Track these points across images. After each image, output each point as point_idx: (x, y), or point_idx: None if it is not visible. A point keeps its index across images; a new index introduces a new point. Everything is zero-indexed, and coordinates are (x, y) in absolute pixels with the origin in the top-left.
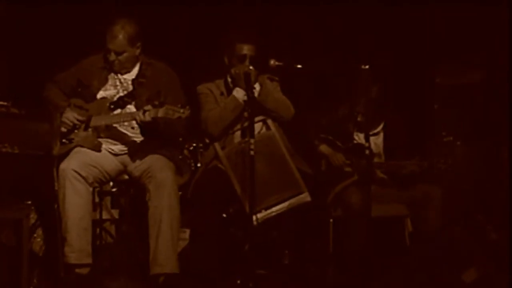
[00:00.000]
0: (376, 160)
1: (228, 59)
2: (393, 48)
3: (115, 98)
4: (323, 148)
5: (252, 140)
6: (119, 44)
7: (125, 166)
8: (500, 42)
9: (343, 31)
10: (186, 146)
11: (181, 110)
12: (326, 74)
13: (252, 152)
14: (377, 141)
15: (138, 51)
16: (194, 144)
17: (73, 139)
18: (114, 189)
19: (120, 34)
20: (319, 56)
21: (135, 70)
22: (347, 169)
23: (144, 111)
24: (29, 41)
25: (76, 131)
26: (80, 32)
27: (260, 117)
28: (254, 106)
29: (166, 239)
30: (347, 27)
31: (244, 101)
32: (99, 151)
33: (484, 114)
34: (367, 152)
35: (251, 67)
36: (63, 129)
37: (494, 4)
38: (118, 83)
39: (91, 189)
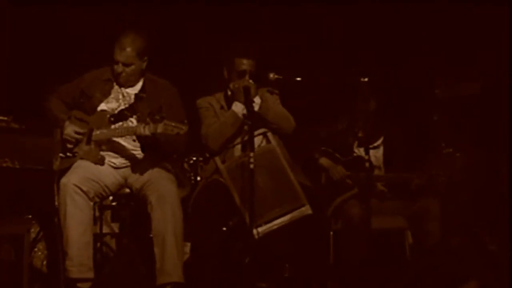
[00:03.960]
0: (376, 173)
1: (228, 73)
2: (392, 60)
3: (116, 111)
4: (323, 161)
5: (252, 154)
6: (127, 56)
7: (125, 179)
8: (497, 52)
9: (342, 44)
10: (186, 159)
11: (180, 126)
12: (326, 87)
13: (252, 166)
14: (377, 154)
15: (144, 65)
16: (194, 158)
17: (76, 153)
18: (114, 203)
19: (130, 47)
20: (319, 69)
21: (139, 85)
22: (347, 182)
23: (144, 125)
24: (29, 54)
25: (79, 144)
26: (81, 45)
27: (261, 130)
28: (254, 120)
29: (172, 248)
30: (346, 40)
31: (244, 115)
32: (103, 164)
33: (484, 125)
34: (367, 165)
35: (250, 81)
36: (69, 145)
37: (492, 15)
38: (120, 96)
39: (92, 203)
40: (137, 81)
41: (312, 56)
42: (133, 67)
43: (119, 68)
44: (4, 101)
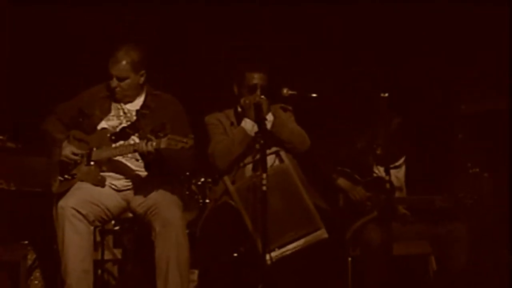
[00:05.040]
0: (397, 194)
1: (238, 89)
2: (392, 60)
3: (117, 129)
4: (341, 181)
5: (264, 174)
6: (121, 70)
7: (128, 202)
8: (497, 52)
9: (342, 44)
10: (194, 181)
11: (184, 140)
12: (343, 103)
13: (264, 187)
14: (398, 175)
15: (142, 79)
16: (202, 179)
17: (75, 174)
18: (116, 228)
19: (124, 60)
20: (335, 85)
21: (140, 100)
22: (367, 204)
23: (147, 141)
24: (29, 54)
25: (78, 165)
26: (81, 45)
27: (273, 149)
28: (266, 138)
29: (175, 280)
30: (346, 40)
31: (255, 132)
32: (103, 186)
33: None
34: (387, 186)
35: (262, 97)
36: (68, 167)
37: (492, 15)
38: (121, 113)
39: (92, 228)
40: (136, 96)
41: (312, 56)
42: (128, 81)
43: (113, 82)
44: (4, 101)
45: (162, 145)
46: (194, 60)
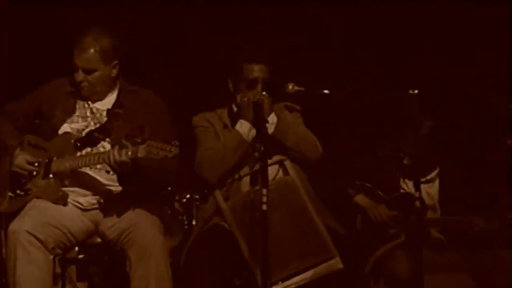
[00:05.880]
0: (429, 215)
1: (234, 84)
2: (392, 60)
3: (83, 133)
4: (360, 199)
5: (264, 190)
6: (89, 60)
7: (96, 225)
8: (497, 52)
9: (342, 44)
10: (177, 197)
11: (167, 148)
12: (362, 102)
13: (265, 206)
14: (430, 191)
15: (114, 72)
16: (188, 195)
17: (29, 189)
18: (80, 256)
19: (92, 47)
20: (353, 79)
21: (112, 97)
22: (392, 226)
23: (121, 149)
24: (29, 54)
25: (33, 178)
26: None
27: (276, 158)
28: (267, 144)
29: None
30: (346, 40)
31: (254, 137)
32: (65, 204)
33: None
34: (417, 204)
35: (264, 93)
36: (20, 180)
37: (492, 15)
38: (89, 113)
39: (51, 257)
40: (106, 93)
41: (312, 56)
42: (96, 74)
43: (79, 75)
44: (4, 101)
45: (140, 154)
46: (194, 60)
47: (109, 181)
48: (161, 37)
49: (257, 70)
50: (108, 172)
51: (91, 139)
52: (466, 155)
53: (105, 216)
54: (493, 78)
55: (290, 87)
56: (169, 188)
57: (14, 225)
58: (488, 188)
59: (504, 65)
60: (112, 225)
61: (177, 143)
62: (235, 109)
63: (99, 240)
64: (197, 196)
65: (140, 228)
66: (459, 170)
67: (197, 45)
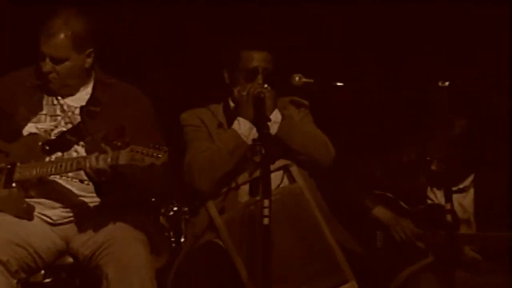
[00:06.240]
0: (463, 230)
1: (230, 75)
2: (392, 60)
3: (53, 135)
4: (380, 211)
5: (266, 201)
6: (58, 47)
7: (67, 242)
8: (497, 52)
9: (342, 44)
10: (163, 210)
11: (155, 153)
12: (382, 96)
13: (266, 220)
14: (464, 202)
15: (88, 62)
16: (175, 208)
17: None
18: (47, 281)
19: (62, 32)
20: (352, 79)
21: (86, 92)
22: (418, 245)
23: (98, 155)
24: (29, 54)
25: None
26: None
27: (281, 163)
28: (269, 146)
29: None
30: (346, 40)
31: (254, 138)
32: (31, 219)
33: None
34: (448, 218)
35: (266, 86)
36: None
37: (492, 15)
38: (58, 111)
39: (14, 281)
40: (80, 86)
41: (312, 56)
42: (67, 64)
43: (46, 65)
44: None
45: (122, 160)
46: (194, 60)
47: (84, 191)
48: (161, 37)
49: (257, 59)
50: (82, 181)
51: (62, 142)
52: (506, 160)
53: (79, 231)
54: (493, 78)
55: (297, 78)
56: (153, 200)
57: None
58: None
59: (504, 65)
60: (86, 240)
61: (166, 148)
62: (232, 104)
63: (70, 260)
64: (186, 209)
65: (120, 241)
66: (498, 177)
67: (197, 45)
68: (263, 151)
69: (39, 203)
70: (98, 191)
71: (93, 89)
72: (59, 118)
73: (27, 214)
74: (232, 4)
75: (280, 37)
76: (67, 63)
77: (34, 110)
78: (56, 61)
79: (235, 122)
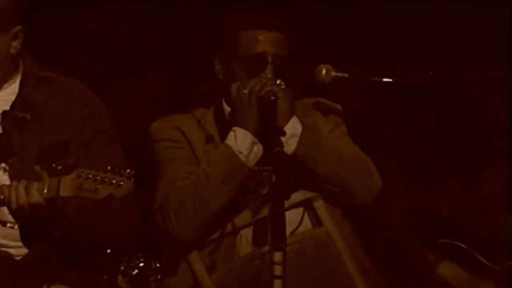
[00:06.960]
0: None
1: (224, 66)
2: (392, 60)
3: None
4: (447, 269)
5: (279, 254)
6: None
7: None
8: (497, 52)
9: (342, 44)
10: (123, 267)
11: (114, 180)
12: (451, 105)
13: (279, 283)
14: None
15: (15, 45)
16: (142, 263)
17: None
18: None
19: None
20: (425, 62)
21: (12, 90)
22: None
23: (29, 184)
24: (28, 53)
25: None
26: (80, 63)
27: (300, 196)
28: (283, 171)
29: None
30: (346, 40)
31: (259, 159)
32: None
33: None
34: None
35: (278, 82)
36: None
37: (492, 15)
38: None
39: None
40: (3, 81)
41: (312, 56)
42: None
43: None
44: None
45: (64, 191)
46: (194, 60)
47: (5, 238)
48: (161, 37)
49: (265, 41)
50: (4, 224)
51: None
52: None
53: None
54: (493, 78)
55: (324, 71)
56: (108, 251)
57: None
58: None
59: (504, 65)
60: None
61: (131, 173)
62: (226, 109)
63: None
64: (158, 264)
65: None
66: None
67: (197, 45)
68: (274, 179)
69: None
70: (26, 237)
71: (21, 86)
72: None
73: None
74: (232, 4)
75: (335, 24)
76: None
77: None
78: None
79: (230, 133)
